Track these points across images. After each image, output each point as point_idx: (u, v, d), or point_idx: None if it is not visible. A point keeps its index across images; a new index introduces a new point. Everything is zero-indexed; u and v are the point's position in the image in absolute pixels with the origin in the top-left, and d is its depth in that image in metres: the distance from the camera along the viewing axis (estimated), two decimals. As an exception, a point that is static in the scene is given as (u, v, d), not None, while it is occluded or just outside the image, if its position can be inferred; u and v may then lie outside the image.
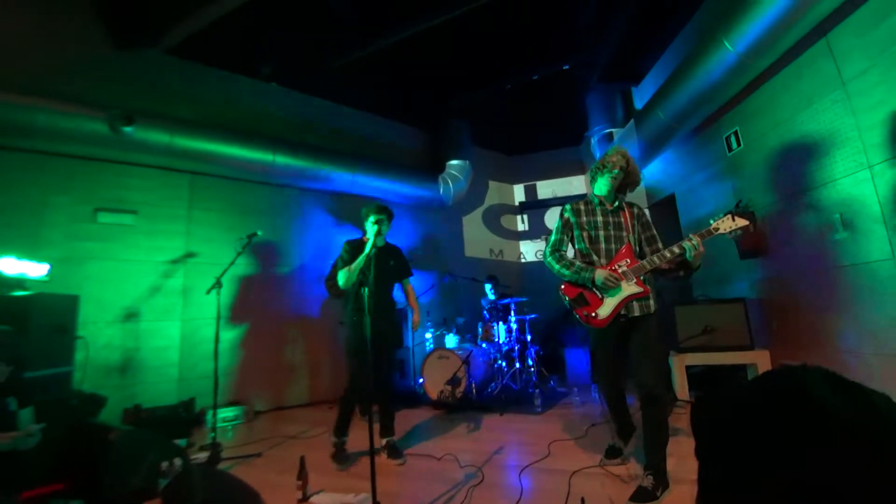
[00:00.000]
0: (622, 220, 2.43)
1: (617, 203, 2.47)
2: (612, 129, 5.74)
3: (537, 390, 4.34)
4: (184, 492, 1.60)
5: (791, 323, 3.51)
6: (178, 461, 2.51)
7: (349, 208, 5.72)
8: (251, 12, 4.01)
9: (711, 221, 2.21)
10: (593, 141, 6.03)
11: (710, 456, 0.62)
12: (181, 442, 3.14)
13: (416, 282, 5.93)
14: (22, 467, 2.20)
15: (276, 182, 5.10)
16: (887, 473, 0.47)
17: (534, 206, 7.63)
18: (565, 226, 2.52)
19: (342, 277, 2.93)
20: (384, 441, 2.96)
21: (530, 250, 7.58)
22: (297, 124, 5.49)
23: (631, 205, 2.50)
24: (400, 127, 6.63)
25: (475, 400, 4.35)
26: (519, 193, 7.77)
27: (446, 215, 6.74)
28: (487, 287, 5.60)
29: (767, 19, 2.89)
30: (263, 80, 5.22)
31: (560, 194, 7.47)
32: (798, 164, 3.31)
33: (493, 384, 4.68)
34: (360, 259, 2.87)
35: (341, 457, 2.85)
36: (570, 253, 2.55)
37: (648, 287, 2.28)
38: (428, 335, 5.39)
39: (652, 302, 2.31)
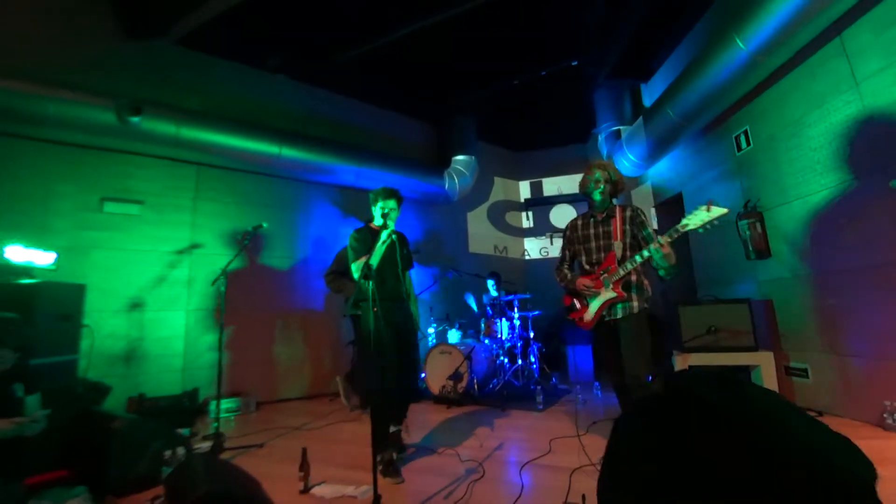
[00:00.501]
0: (611, 227, 2.56)
1: (607, 212, 2.60)
2: (620, 127, 5.69)
3: (539, 387, 4.33)
4: (186, 480, 1.61)
5: (798, 324, 3.48)
6: (180, 450, 2.53)
7: (354, 202, 5.72)
8: (259, 3, 4.00)
9: (682, 220, 2.25)
10: (601, 138, 5.99)
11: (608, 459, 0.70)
12: (184, 431, 3.16)
13: (418, 276, 5.95)
14: (27, 453, 2.22)
15: (281, 174, 5.11)
16: (758, 450, 0.53)
17: (539, 204, 7.60)
18: (567, 242, 2.77)
19: (356, 269, 2.73)
20: (392, 428, 2.72)
21: (534, 247, 7.56)
22: (304, 117, 5.48)
23: (624, 208, 2.56)
24: (406, 121, 6.61)
25: (477, 396, 4.35)
26: (524, 190, 7.74)
27: (451, 211, 6.73)
28: (490, 283, 5.59)
29: (781, 17, 2.84)
30: (270, 71, 5.21)
31: (566, 191, 7.43)
32: (809, 164, 3.27)
33: (494, 380, 4.68)
34: (380, 249, 2.65)
35: (394, 469, 2.47)
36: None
37: (625, 293, 2.47)
38: (431, 330, 5.40)
39: (634, 304, 2.48)
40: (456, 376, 4.31)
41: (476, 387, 4.40)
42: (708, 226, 2.20)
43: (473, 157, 6.52)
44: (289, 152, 4.90)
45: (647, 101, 5.58)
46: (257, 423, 3.89)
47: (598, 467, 2.45)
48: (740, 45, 3.18)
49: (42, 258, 3.17)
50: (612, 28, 4.72)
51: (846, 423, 2.97)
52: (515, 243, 7.55)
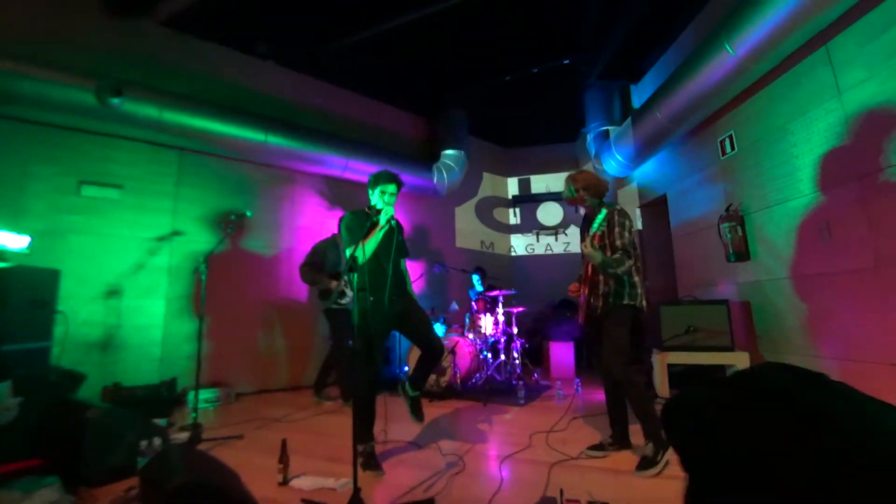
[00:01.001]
0: (587, 230, 2.62)
1: (595, 216, 2.57)
2: (609, 127, 5.73)
3: (521, 382, 4.37)
4: (162, 471, 1.59)
5: (774, 327, 3.58)
6: (157, 441, 2.49)
7: (341, 192, 5.67)
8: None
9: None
10: (589, 137, 6.03)
11: (700, 457, 0.64)
12: (161, 422, 3.11)
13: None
14: (-4, 441, 2.16)
15: (267, 162, 5.02)
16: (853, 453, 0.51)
17: (527, 200, 7.64)
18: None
19: (350, 254, 2.50)
20: (413, 393, 2.69)
21: (521, 244, 7.60)
22: (292, 105, 5.39)
23: (601, 210, 2.50)
24: (396, 113, 6.56)
25: (459, 390, 4.37)
26: (513, 187, 7.76)
27: (439, 205, 6.72)
28: (475, 278, 5.61)
29: (770, 24, 2.89)
30: (259, 57, 5.10)
31: (553, 189, 7.48)
32: (790, 171, 3.35)
33: (477, 375, 4.71)
34: (378, 236, 2.55)
35: (375, 463, 2.43)
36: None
37: (593, 290, 2.68)
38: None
39: (609, 300, 2.62)
40: (439, 370, 4.32)
41: (459, 381, 4.42)
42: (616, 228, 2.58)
43: (463, 152, 6.50)
44: (275, 140, 4.81)
45: (637, 102, 5.63)
46: (237, 413, 3.85)
47: (584, 457, 2.56)
48: (729, 50, 3.22)
49: (15, 241, 3.07)
50: (605, 28, 4.74)
51: (816, 423, 3.06)
52: (502, 239, 7.58)
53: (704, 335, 3.71)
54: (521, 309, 5.09)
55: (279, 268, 5.04)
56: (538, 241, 7.50)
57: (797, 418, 0.55)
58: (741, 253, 3.82)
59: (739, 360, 3.54)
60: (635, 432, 2.66)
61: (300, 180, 5.38)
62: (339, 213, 5.62)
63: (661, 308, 3.94)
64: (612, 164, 5.58)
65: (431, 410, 3.76)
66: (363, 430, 2.48)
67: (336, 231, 4.42)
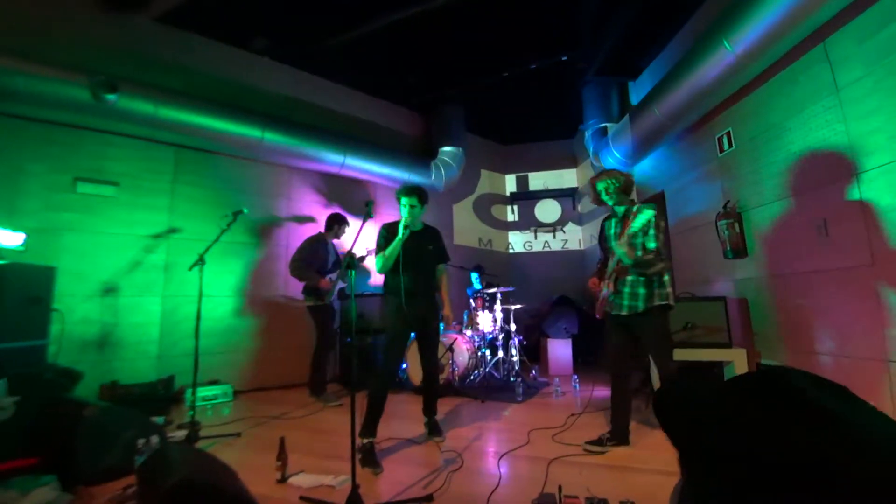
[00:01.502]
0: (622, 228, 2.68)
1: (625, 213, 2.75)
2: (607, 124, 5.73)
3: (519, 379, 4.38)
4: (160, 470, 1.58)
5: (771, 323, 3.59)
6: (154, 439, 2.48)
7: (338, 189, 5.65)
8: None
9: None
10: (587, 134, 6.02)
11: (700, 457, 0.62)
12: (158, 420, 3.10)
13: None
14: (-8, 440, 2.15)
15: (264, 159, 5.00)
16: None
17: (524, 198, 7.63)
18: (601, 241, 2.95)
19: (378, 262, 2.90)
20: (426, 419, 3.01)
21: (519, 241, 7.60)
22: (289, 101, 5.37)
23: (640, 210, 2.60)
24: (394, 109, 6.53)
25: (457, 387, 4.38)
26: (510, 184, 7.76)
27: (437, 202, 6.69)
28: (474, 276, 5.61)
29: (768, 21, 2.88)
30: (256, 53, 5.07)
31: (552, 186, 7.48)
32: (787, 168, 3.35)
33: (475, 372, 4.71)
34: (395, 244, 2.80)
35: (373, 459, 2.49)
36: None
37: (620, 288, 2.67)
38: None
39: (636, 304, 2.63)
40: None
41: (457, 378, 4.42)
42: (651, 229, 2.58)
43: (461, 149, 6.49)
44: (272, 136, 4.79)
45: (635, 99, 5.62)
46: (235, 411, 3.85)
47: (584, 448, 2.61)
48: (728, 47, 3.22)
49: (10, 239, 3.05)
50: (603, 25, 4.72)
51: (812, 419, 3.08)
52: (500, 236, 7.58)
53: (702, 332, 3.71)
54: (519, 306, 5.09)
55: (276, 265, 5.02)
56: (536, 238, 7.51)
57: (815, 422, 0.54)
58: (738, 250, 3.83)
59: (737, 357, 3.55)
60: (633, 430, 2.68)
61: (297, 177, 5.36)
62: (336, 210, 5.61)
63: (658, 305, 3.95)
64: (609, 160, 5.57)
65: (429, 407, 3.76)
66: (369, 424, 2.64)
67: (323, 229, 4.50)
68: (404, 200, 2.88)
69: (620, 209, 2.80)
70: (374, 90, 6.18)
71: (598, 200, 2.85)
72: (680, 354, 3.74)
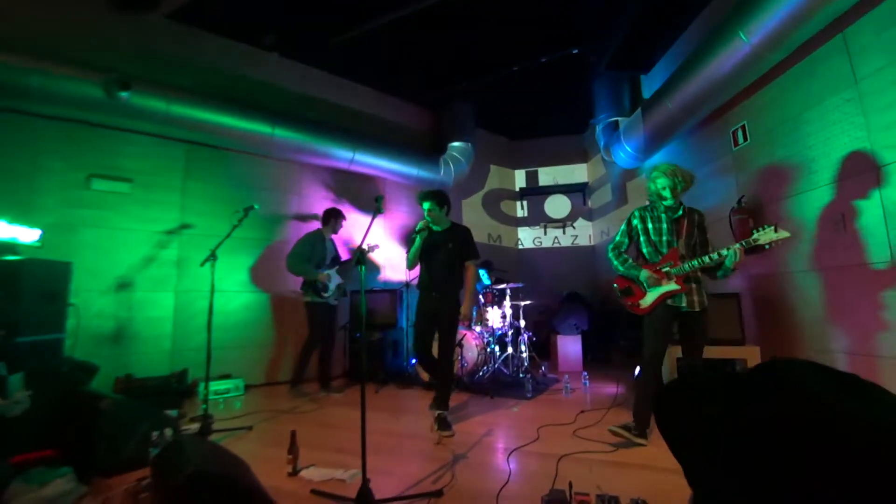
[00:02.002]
0: (681, 226, 2.75)
1: (680, 211, 2.78)
2: (619, 118, 5.66)
3: (528, 376, 4.37)
4: (173, 462, 1.60)
5: (785, 319, 3.53)
6: (168, 431, 2.51)
7: (348, 185, 5.67)
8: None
9: (754, 233, 2.48)
10: (598, 129, 5.96)
11: (701, 476, 0.60)
12: (172, 413, 3.14)
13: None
14: (11, 433, 2.19)
15: (274, 156, 5.02)
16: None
17: (534, 193, 7.58)
18: (631, 229, 2.89)
19: (407, 260, 3.30)
20: (435, 413, 3.02)
21: (528, 237, 7.56)
22: (298, 97, 5.38)
23: (692, 211, 2.81)
24: (403, 105, 6.52)
25: (466, 383, 4.38)
26: (520, 179, 7.71)
27: (446, 198, 6.69)
28: (482, 272, 5.59)
29: (785, 11, 2.81)
30: (266, 50, 5.09)
31: (561, 181, 7.42)
32: (803, 162, 3.28)
33: (484, 368, 4.71)
34: (415, 244, 3.17)
35: (447, 424, 2.94)
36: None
37: (687, 285, 2.67)
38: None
39: (703, 298, 2.70)
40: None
41: (466, 374, 4.42)
42: (773, 244, 2.44)
43: (470, 144, 6.46)
44: (282, 133, 4.81)
45: (647, 92, 5.54)
46: (246, 405, 3.89)
47: (611, 430, 2.66)
48: (743, 38, 3.15)
49: (27, 235, 3.10)
50: (614, 17, 4.65)
51: (828, 418, 3.03)
52: (509, 232, 7.54)
53: (715, 328, 3.66)
54: (528, 302, 5.07)
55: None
56: (546, 233, 7.46)
57: (827, 428, 0.51)
58: (754, 246, 3.76)
59: (750, 355, 3.50)
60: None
61: (307, 173, 5.38)
62: (346, 205, 5.63)
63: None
64: (621, 155, 5.51)
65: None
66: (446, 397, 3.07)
67: (320, 225, 4.50)
68: (426, 205, 3.16)
69: (674, 207, 2.78)
70: (383, 86, 6.17)
71: (659, 195, 2.76)
72: (692, 351, 3.70)
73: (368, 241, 3.20)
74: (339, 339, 5.13)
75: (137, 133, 4.24)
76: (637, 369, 3.93)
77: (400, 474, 2.30)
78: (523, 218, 7.63)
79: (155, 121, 4.14)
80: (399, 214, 6.28)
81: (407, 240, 6.21)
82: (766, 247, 2.46)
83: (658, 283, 2.72)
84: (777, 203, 3.55)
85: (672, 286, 2.68)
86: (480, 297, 5.15)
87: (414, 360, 4.68)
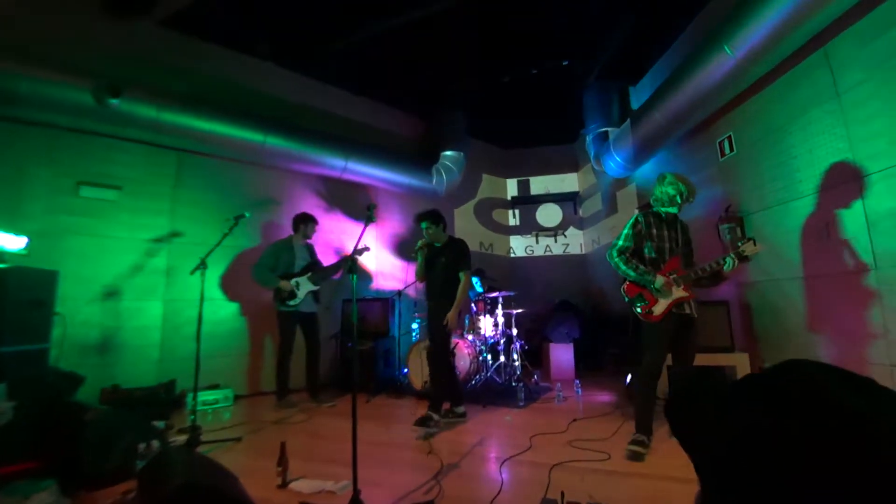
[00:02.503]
0: (677, 234, 2.85)
1: (677, 221, 2.89)
2: (608, 128, 5.74)
3: (521, 384, 4.37)
4: (161, 474, 1.58)
5: (773, 327, 3.58)
6: (155, 443, 2.47)
7: (340, 193, 5.66)
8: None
9: (739, 245, 2.63)
10: (588, 139, 6.03)
11: (710, 468, 0.60)
12: (159, 424, 3.09)
13: (403, 272, 5.94)
14: (-7, 444, 2.14)
15: (266, 163, 5.01)
16: None
17: (526, 202, 7.63)
18: (638, 234, 2.84)
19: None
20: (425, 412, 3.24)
21: (520, 245, 7.60)
22: (290, 105, 5.38)
23: (682, 221, 2.91)
24: (395, 114, 6.55)
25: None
26: (512, 188, 7.76)
27: (438, 206, 6.67)
28: (474, 280, 5.60)
29: (769, 26, 2.89)
30: (258, 58, 5.10)
31: (553, 191, 7.48)
32: (788, 172, 3.35)
33: (477, 376, 4.69)
34: (419, 260, 3.60)
35: (426, 422, 3.17)
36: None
37: (692, 292, 2.74)
38: (414, 325, 5.39)
39: (696, 305, 2.79)
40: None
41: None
42: (753, 256, 2.62)
43: (462, 153, 6.49)
44: (274, 141, 4.80)
45: (636, 103, 5.64)
46: (235, 416, 3.84)
47: (628, 450, 2.57)
48: (728, 51, 3.23)
49: (13, 242, 3.05)
50: (604, 30, 4.74)
51: (816, 424, 3.06)
52: (501, 241, 7.57)
53: (704, 335, 3.70)
54: (520, 310, 5.08)
55: (278, 269, 5.01)
56: (537, 242, 7.50)
57: (836, 427, 0.52)
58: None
59: (740, 361, 3.54)
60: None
61: (299, 181, 5.37)
62: (338, 214, 5.62)
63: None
64: (611, 165, 5.58)
65: (431, 412, 3.75)
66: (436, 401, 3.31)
67: (292, 232, 4.41)
68: (422, 225, 3.52)
69: (674, 218, 2.87)
70: (375, 95, 6.20)
71: (669, 202, 2.79)
72: (682, 359, 3.73)
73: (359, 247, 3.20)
74: (330, 347, 5.09)
75: (128, 140, 4.21)
76: (629, 377, 3.95)
77: (391, 485, 2.28)
78: (515, 227, 7.66)
79: (145, 128, 4.11)
80: (391, 223, 6.28)
81: (398, 248, 6.21)
82: (750, 258, 2.63)
83: (669, 291, 2.70)
84: (763, 212, 3.61)
85: (681, 293, 2.70)
86: (473, 305, 5.15)
87: (406, 370, 4.65)
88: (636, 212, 3.00)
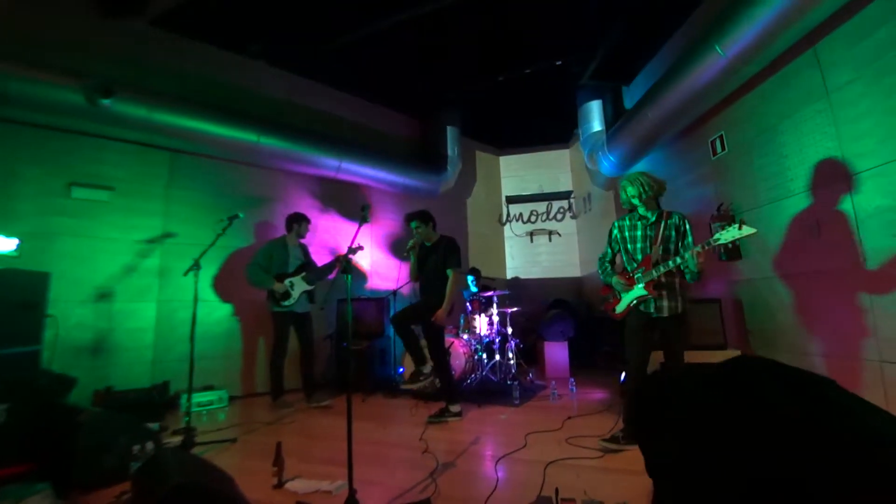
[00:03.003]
0: (656, 233, 2.76)
1: (654, 217, 2.80)
2: (602, 128, 5.77)
3: (516, 382, 4.38)
4: (155, 476, 1.57)
5: (765, 325, 3.62)
6: (149, 445, 2.46)
7: (334, 194, 5.65)
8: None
9: (716, 233, 2.46)
10: (582, 138, 6.06)
11: (660, 471, 0.62)
12: (153, 426, 3.07)
13: (400, 272, 5.94)
14: (-15, 447, 2.13)
15: (259, 164, 4.99)
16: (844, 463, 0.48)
17: (520, 201, 7.65)
18: (614, 241, 2.97)
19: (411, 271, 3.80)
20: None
21: (514, 244, 7.61)
22: (285, 105, 5.37)
23: (670, 214, 2.79)
24: (390, 114, 6.55)
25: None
26: (506, 187, 7.78)
27: (433, 206, 6.68)
28: (469, 279, 5.62)
29: (759, 26, 2.92)
30: (251, 57, 5.08)
31: (547, 190, 7.51)
32: (779, 170, 3.39)
33: (472, 375, 4.71)
34: (412, 260, 3.72)
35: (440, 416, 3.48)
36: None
37: (657, 291, 2.69)
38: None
39: (675, 304, 2.70)
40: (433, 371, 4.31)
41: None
42: (737, 241, 2.43)
43: (456, 153, 6.50)
44: (267, 141, 4.78)
45: (629, 103, 5.66)
46: (230, 417, 3.83)
47: (601, 445, 2.64)
48: (719, 52, 3.26)
49: (3, 244, 3.03)
50: (597, 30, 4.76)
51: (807, 420, 3.10)
52: (496, 239, 7.58)
53: (697, 333, 3.73)
54: (515, 309, 5.10)
55: (272, 269, 5.00)
56: (532, 241, 7.52)
57: (777, 430, 0.53)
58: (732, 252, 3.85)
59: (731, 359, 3.57)
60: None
61: (293, 181, 5.35)
62: (332, 214, 5.61)
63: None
64: (605, 164, 5.61)
65: (426, 411, 3.76)
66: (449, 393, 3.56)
67: (285, 232, 4.39)
68: (411, 225, 3.61)
69: (649, 213, 2.80)
70: (370, 95, 6.19)
71: (629, 204, 2.82)
72: (675, 356, 3.76)
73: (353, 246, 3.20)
74: (325, 347, 5.09)
75: (120, 140, 4.18)
76: (623, 375, 3.98)
77: (387, 484, 2.28)
78: (509, 225, 7.68)
79: (137, 128, 4.08)
80: (385, 222, 6.28)
81: (393, 248, 6.21)
82: (730, 245, 2.45)
83: (629, 289, 2.79)
84: (755, 210, 3.65)
85: (640, 291, 2.73)
86: (468, 304, 5.16)
87: (402, 370, 4.66)
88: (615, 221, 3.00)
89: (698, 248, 2.48)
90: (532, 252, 7.50)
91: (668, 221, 2.75)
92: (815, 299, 3.12)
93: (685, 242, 2.72)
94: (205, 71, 4.80)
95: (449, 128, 6.52)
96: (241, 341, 4.75)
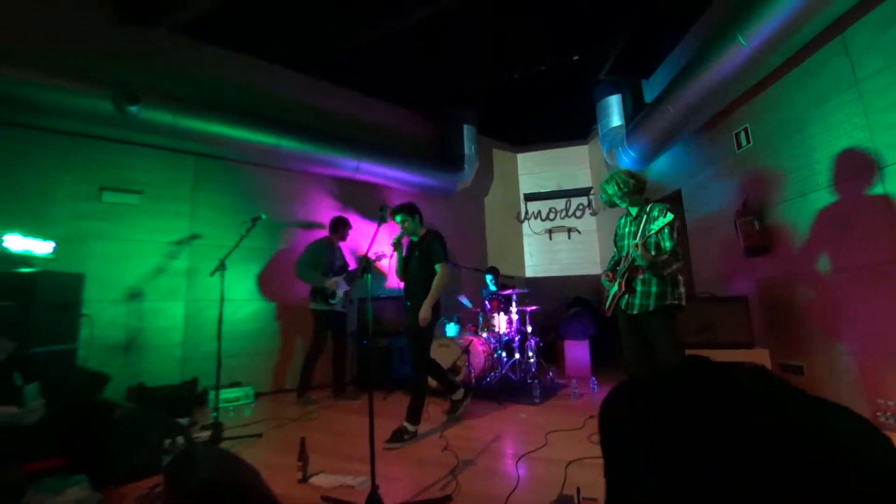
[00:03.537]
0: (637, 227, 2.72)
1: (637, 212, 2.79)
2: (621, 123, 5.68)
3: (536, 381, 4.37)
4: (186, 469, 1.63)
5: (793, 322, 3.51)
6: (180, 439, 2.55)
7: (353, 194, 5.72)
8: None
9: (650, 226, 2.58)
10: (601, 134, 5.98)
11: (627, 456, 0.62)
12: (183, 421, 3.17)
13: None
14: (25, 441, 2.23)
15: (280, 166, 5.09)
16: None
17: (538, 198, 7.60)
18: (615, 239, 2.99)
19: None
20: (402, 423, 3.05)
21: (533, 241, 7.56)
22: (304, 108, 5.46)
23: (652, 208, 2.72)
24: (406, 114, 6.58)
25: (474, 389, 4.37)
26: (524, 184, 7.73)
27: (450, 204, 6.72)
28: (488, 278, 5.61)
29: (784, 15, 2.83)
30: (270, 61, 5.17)
31: (565, 186, 7.43)
32: (807, 163, 3.28)
33: (492, 374, 4.71)
34: (398, 256, 3.39)
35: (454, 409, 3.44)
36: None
37: (628, 287, 2.69)
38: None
39: (645, 301, 2.62)
40: (453, 369, 4.33)
41: (473, 380, 4.42)
42: (673, 231, 2.56)
43: (473, 151, 6.50)
44: (287, 143, 4.87)
45: (648, 97, 5.55)
46: (256, 413, 3.92)
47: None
48: (742, 42, 3.17)
49: (40, 247, 3.17)
50: (614, 24, 4.69)
51: (838, 420, 3.00)
52: (514, 237, 7.55)
53: (723, 332, 3.65)
54: (534, 307, 5.07)
55: (294, 269, 5.09)
56: (551, 238, 7.46)
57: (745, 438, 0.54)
58: (759, 248, 3.76)
59: (760, 358, 3.48)
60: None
61: (312, 182, 5.44)
62: (351, 214, 5.67)
63: (676, 305, 3.89)
64: (624, 160, 5.52)
65: (446, 409, 3.77)
66: (417, 411, 3.07)
67: (328, 233, 4.54)
68: (396, 219, 3.28)
69: (634, 209, 2.82)
70: (386, 95, 6.23)
71: (611, 203, 2.87)
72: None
73: (375, 250, 3.24)
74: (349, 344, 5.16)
75: (147, 146, 4.32)
76: None
77: (408, 480, 2.31)
78: (528, 223, 7.63)
79: (163, 133, 4.21)
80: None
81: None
82: (670, 236, 2.54)
83: (611, 287, 2.83)
84: (781, 205, 3.54)
85: (615, 287, 2.77)
86: (487, 303, 5.16)
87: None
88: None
89: (636, 241, 2.53)
90: (551, 250, 7.44)
91: (650, 215, 2.69)
92: (847, 295, 3.01)
93: (660, 237, 2.62)
94: (225, 76, 4.91)
95: (465, 126, 6.52)
96: (269, 339, 4.87)
